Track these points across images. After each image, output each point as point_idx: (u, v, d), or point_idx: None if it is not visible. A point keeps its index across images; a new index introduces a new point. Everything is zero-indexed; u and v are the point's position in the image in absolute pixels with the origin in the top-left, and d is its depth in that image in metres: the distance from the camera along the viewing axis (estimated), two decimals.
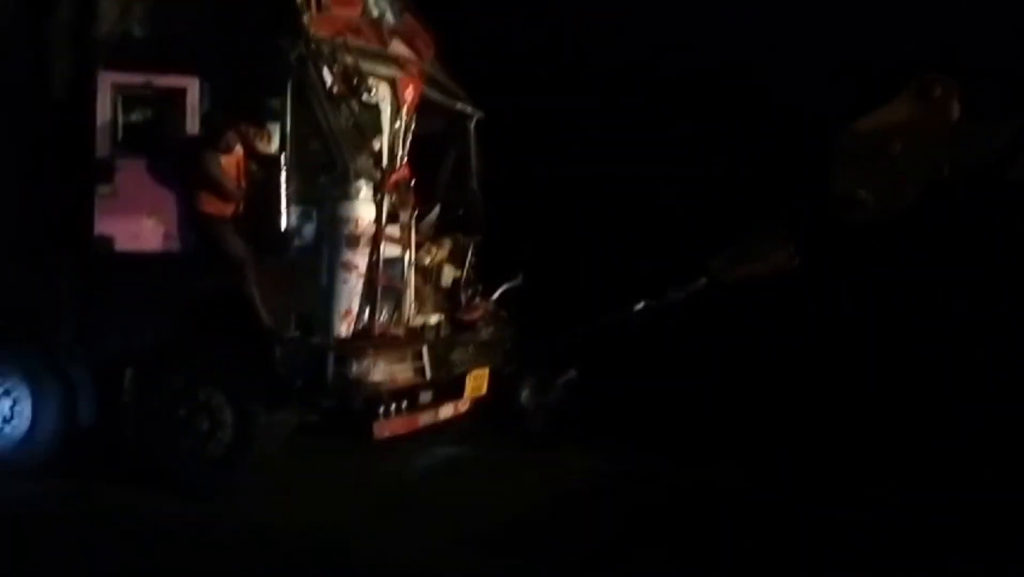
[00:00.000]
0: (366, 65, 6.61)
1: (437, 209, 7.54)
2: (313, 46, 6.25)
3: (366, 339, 6.17)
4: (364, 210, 6.18)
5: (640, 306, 6.34)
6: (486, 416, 7.38)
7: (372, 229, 6.19)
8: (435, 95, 7.63)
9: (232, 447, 6.37)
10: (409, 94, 7.24)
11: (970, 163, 5.17)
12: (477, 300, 7.61)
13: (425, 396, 6.68)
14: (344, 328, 6.16)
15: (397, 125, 7.13)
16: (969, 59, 5.38)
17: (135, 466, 6.57)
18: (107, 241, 6.44)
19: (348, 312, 6.17)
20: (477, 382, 7.12)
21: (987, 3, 6.44)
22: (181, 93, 6.47)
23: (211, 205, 6.32)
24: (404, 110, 7.23)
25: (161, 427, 6.49)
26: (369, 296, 6.19)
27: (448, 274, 7.48)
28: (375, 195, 6.24)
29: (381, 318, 6.27)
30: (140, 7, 6.92)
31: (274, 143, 6.49)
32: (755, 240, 6.14)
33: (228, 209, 6.36)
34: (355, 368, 6.03)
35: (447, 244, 7.47)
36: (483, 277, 7.73)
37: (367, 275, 6.19)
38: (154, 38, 6.67)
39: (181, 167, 6.35)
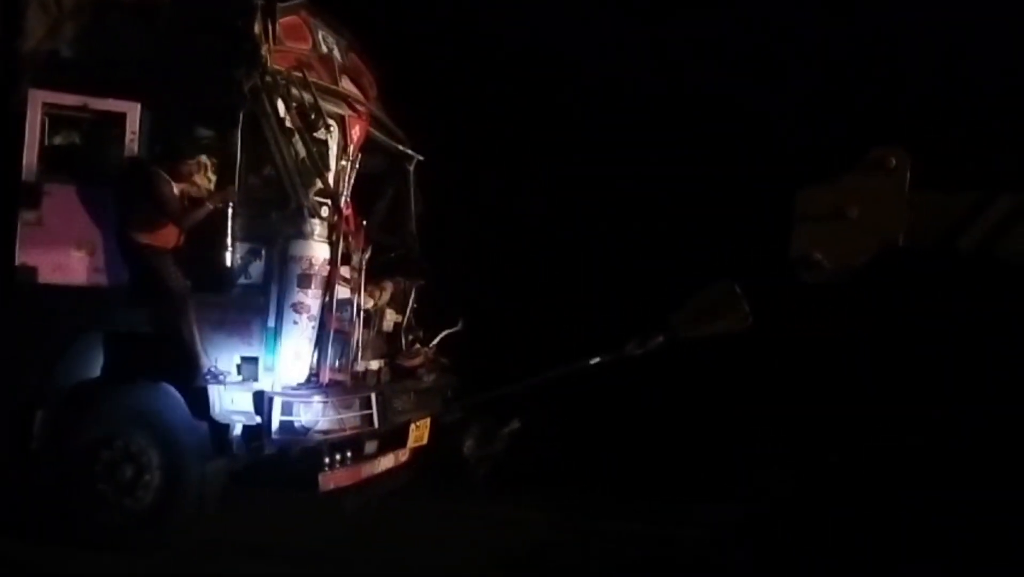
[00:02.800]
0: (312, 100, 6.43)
1: (369, 250, 7.33)
2: (268, 78, 6.02)
3: (315, 385, 5.89)
4: (318, 249, 5.93)
5: (596, 360, 6.27)
6: (427, 465, 7.14)
7: (326, 270, 5.94)
8: (378, 135, 7.49)
9: (161, 498, 5.95)
10: (356, 133, 7.07)
11: (924, 232, 5.38)
12: (417, 346, 7.41)
13: (370, 446, 6.42)
14: (291, 373, 5.86)
15: (343, 163, 6.96)
16: (925, 130, 5.68)
17: (43, 517, 6.04)
18: (29, 272, 5.95)
19: (296, 356, 5.88)
20: (420, 431, 6.89)
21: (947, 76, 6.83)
22: (120, 118, 6.10)
23: (151, 236, 5.94)
24: (351, 149, 7.08)
25: (78, 475, 6.00)
26: (319, 340, 5.92)
27: (390, 318, 7.27)
28: (330, 234, 6.01)
29: (328, 363, 6.00)
30: (70, 27, 6.53)
31: (216, 176, 6.17)
32: (713, 297, 6.18)
33: (169, 241, 5.99)
34: (303, 415, 5.74)
35: (389, 287, 7.27)
36: (423, 322, 7.55)
37: (319, 318, 5.92)
38: (87, 59, 6.27)
39: (122, 194, 5.95)
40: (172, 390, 5.97)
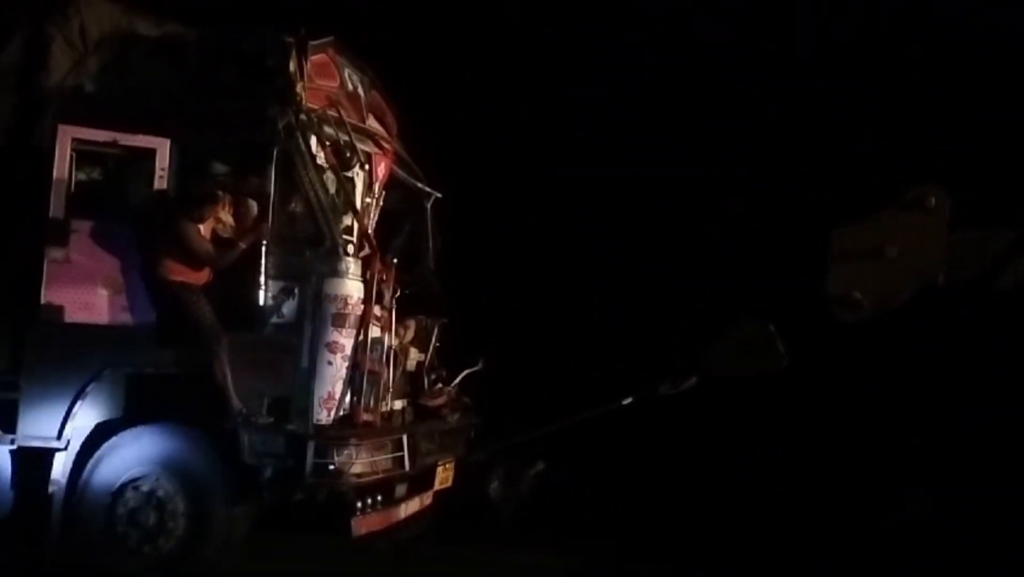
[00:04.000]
0: (347, 138, 6.39)
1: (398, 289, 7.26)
2: (303, 116, 5.98)
3: (349, 427, 5.77)
4: (353, 288, 5.85)
5: (628, 401, 6.19)
6: (450, 508, 7.00)
7: (360, 308, 5.86)
8: (400, 172, 7.46)
9: (184, 543, 5.77)
10: (382, 170, 7.07)
11: (964, 271, 5.39)
12: (439, 385, 7.31)
13: (400, 489, 6.28)
14: (324, 414, 5.74)
15: (368, 201, 6.93)
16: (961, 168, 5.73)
17: (58, 563, 5.84)
18: (55, 310, 5.82)
19: (330, 396, 5.76)
20: (446, 473, 6.78)
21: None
22: (149, 154, 6.01)
23: (182, 274, 5.83)
24: (376, 186, 7.05)
25: (97, 519, 5.82)
26: (353, 380, 5.81)
27: (413, 357, 7.18)
28: (363, 272, 5.93)
29: (361, 404, 5.88)
30: (95, 61, 6.48)
31: (251, 212, 6.08)
32: (747, 337, 6.13)
33: (200, 279, 5.88)
34: (337, 458, 5.61)
35: (412, 325, 7.19)
36: (444, 361, 7.46)
37: (352, 358, 5.82)
38: (116, 94, 6.21)
39: (151, 231, 5.85)
40: (199, 433, 5.82)
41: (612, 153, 8.31)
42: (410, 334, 7.13)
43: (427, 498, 6.81)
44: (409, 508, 6.49)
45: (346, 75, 6.88)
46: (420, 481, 6.55)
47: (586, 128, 8.50)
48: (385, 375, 6.24)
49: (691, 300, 7.63)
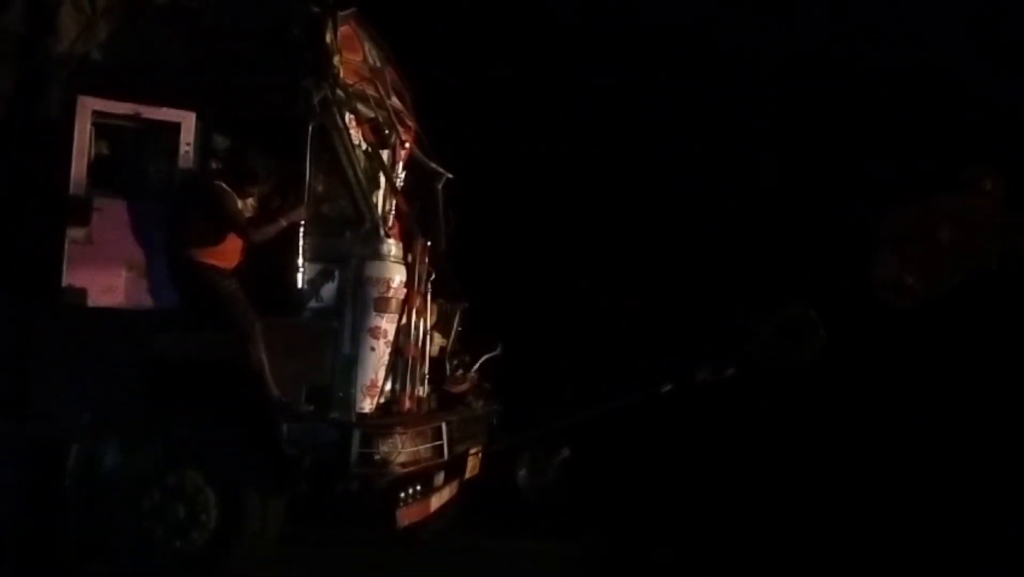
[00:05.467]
0: (381, 115, 6.14)
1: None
2: (339, 91, 5.70)
3: (392, 415, 5.55)
4: (395, 271, 5.62)
5: (667, 388, 6.09)
6: (476, 497, 6.83)
7: (402, 292, 5.63)
8: (418, 153, 7.21)
9: (217, 538, 5.50)
10: (405, 149, 6.81)
11: (1018, 254, 5.42)
12: (461, 371, 7.11)
13: (438, 477, 6.09)
14: (368, 402, 5.51)
15: (387, 181, 6.68)
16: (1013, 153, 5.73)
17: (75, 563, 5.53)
18: (78, 293, 5.46)
19: (373, 384, 5.54)
20: (475, 461, 6.59)
21: None
22: (174, 128, 5.67)
23: (212, 255, 5.52)
24: (398, 166, 6.80)
25: (121, 515, 5.51)
26: (396, 366, 5.59)
27: (436, 343, 6.96)
28: (404, 255, 5.70)
29: (405, 391, 5.67)
30: (105, 27, 6.09)
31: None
32: (787, 322, 6.06)
33: (232, 261, 5.58)
34: (383, 447, 5.39)
35: (434, 311, 6.97)
36: (466, 346, 7.26)
37: (394, 343, 5.59)
38: (136, 65, 5.85)
39: (179, 210, 5.53)
40: (231, 422, 5.54)
41: (643, 129, 8.15)
42: (432, 319, 6.90)
43: (456, 487, 6.63)
44: (443, 497, 6.31)
45: (367, 49, 6.60)
46: (453, 469, 6.36)
47: (616, 104, 8.31)
48: (423, 361, 6.02)
49: (724, 285, 7.56)
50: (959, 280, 5.56)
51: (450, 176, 7.71)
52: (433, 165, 7.54)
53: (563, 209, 8.20)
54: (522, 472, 6.93)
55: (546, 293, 8.09)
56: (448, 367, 7.09)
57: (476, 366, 7.30)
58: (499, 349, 7.47)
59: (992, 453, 6.99)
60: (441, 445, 5.89)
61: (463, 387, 6.95)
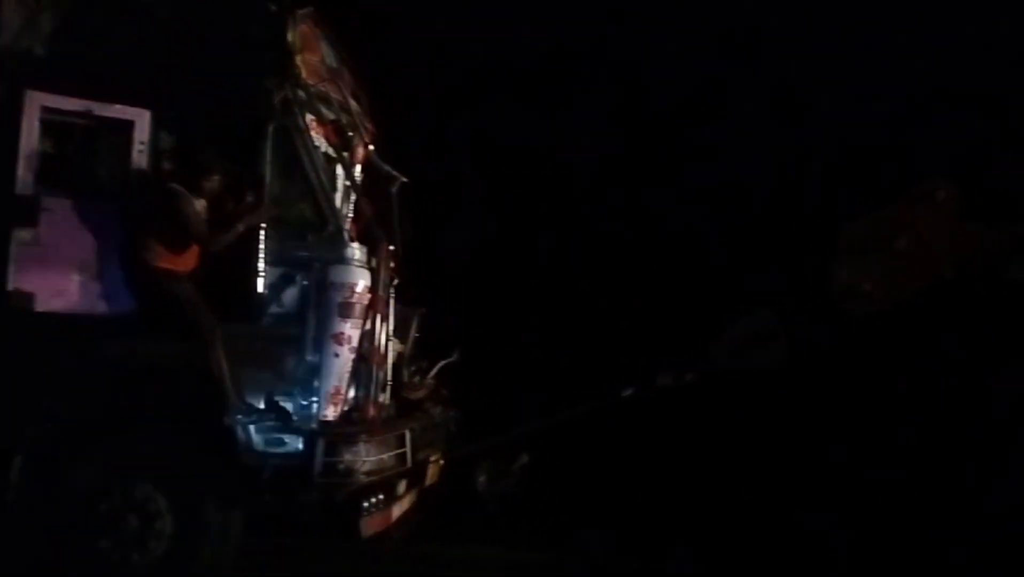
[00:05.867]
0: (342, 116, 6.03)
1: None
2: (300, 92, 5.57)
3: (356, 423, 5.43)
4: (360, 276, 5.51)
5: (628, 392, 6.09)
6: (434, 504, 6.74)
7: (367, 298, 5.52)
8: (372, 155, 7.10)
9: (174, 551, 5.30)
10: (361, 151, 6.71)
11: (973, 264, 5.58)
12: (418, 377, 7.02)
13: (401, 486, 5.98)
14: (332, 410, 5.39)
15: (348, 184, 6.57)
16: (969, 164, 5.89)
17: None
18: (24, 297, 5.21)
19: (337, 391, 5.42)
20: (435, 468, 6.50)
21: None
22: (127, 126, 5.47)
23: (168, 259, 5.33)
24: (356, 168, 6.69)
25: (72, 528, 5.27)
26: (361, 373, 5.48)
27: (393, 348, 6.85)
28: (368, 260, 5.59)
29: (369, 398, 5.56)
30: (48, 20, 5.83)
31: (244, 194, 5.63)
32: (753, 328, 6.12)
33: (188, 265, 5.40)
34: (347, 456, 5.27)
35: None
36: (424, 353, 7.16)
37: (358, 349, 5.48)
38: (87, 59, 5.61)
39: (132, 212, 5.32)
40: (191, 431, 5.35)
41: (608, 134, 8.16)
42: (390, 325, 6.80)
43: (415, 494, 6.53)
44: (403, 505, 6.20)
45: (324, 49, 6.48)
46: (415, 477, 6.26)
47: (577, 108, 8.31)
48: (386, 367, 5.92)
49: (689, 290, 7.60)
50: (917, 288, 5.69)
51: (405, 180, 7.64)
52: (388, 168, 7.45)
53: (524, 213, 8.16)
54: (481, 479, 6.87)
55: (506, 297, 8.03)
56: (406, 373, 7.00)
57: (433, 372, 7.24)
58: (456, 355, 7.41)
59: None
60: (404, 453, 5.78)
61: (421, 393, 6.87)
